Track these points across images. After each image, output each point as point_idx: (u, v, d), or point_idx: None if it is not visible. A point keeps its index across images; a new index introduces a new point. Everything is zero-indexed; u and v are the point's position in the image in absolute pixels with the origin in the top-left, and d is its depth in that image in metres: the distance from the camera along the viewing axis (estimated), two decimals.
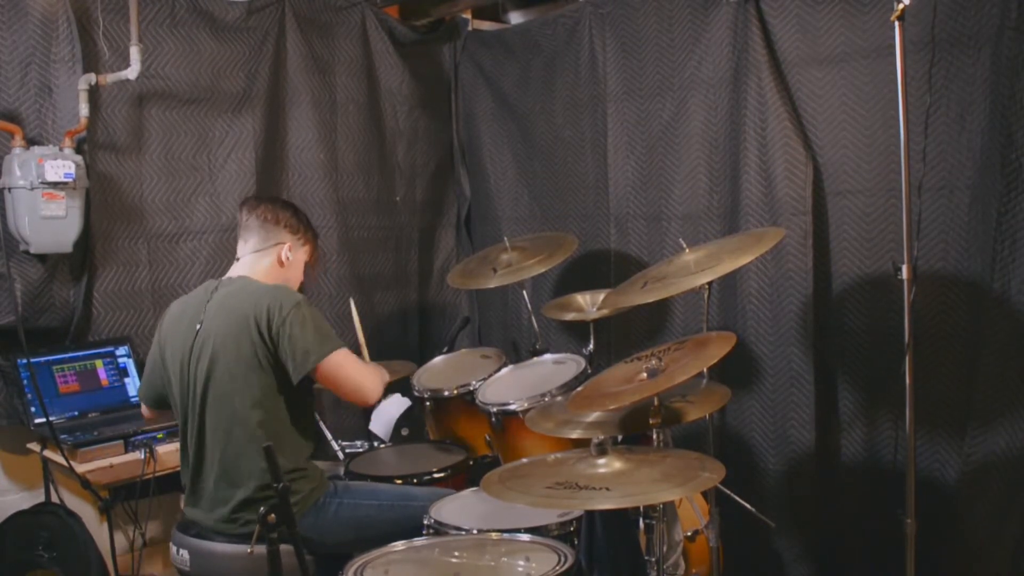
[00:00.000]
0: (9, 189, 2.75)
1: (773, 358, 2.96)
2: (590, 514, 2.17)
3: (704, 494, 2.54)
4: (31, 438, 2.87)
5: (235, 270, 2.45)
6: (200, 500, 2.32)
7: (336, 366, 2.29)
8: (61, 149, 2.82)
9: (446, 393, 3.01)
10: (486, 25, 4.17)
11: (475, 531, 2.17)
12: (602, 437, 1.97)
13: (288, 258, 2.47)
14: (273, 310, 2.25)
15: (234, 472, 2.26)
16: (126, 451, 2.71)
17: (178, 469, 2.48)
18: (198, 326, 2.33)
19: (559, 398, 2.68)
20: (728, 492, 2.50)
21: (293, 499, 2.13)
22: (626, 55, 3.36)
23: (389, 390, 2.61)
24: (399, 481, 2.69)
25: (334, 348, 2.28)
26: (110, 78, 2.95)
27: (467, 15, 4.10)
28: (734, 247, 2.42)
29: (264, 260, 2.45)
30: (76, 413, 2.90)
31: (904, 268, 2.25)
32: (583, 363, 2.90)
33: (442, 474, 2.73)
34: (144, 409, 2.58)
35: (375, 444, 3.20)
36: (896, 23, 2.17)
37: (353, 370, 2.34)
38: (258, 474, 2.23)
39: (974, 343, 2.56)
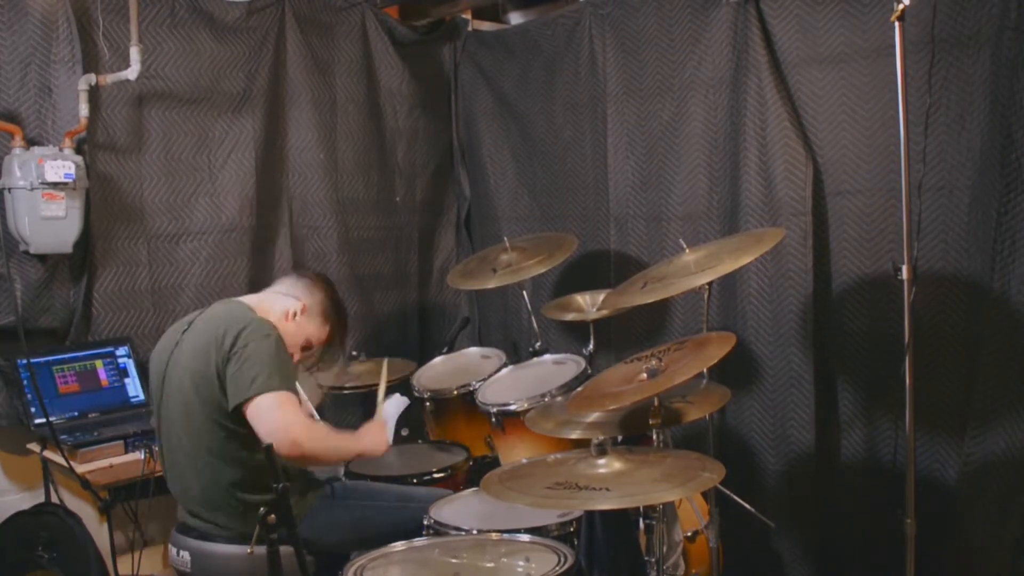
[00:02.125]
0: (9, 189, 2.75)
1: (773, 358, 2.96)
2: (590, 514, 2.17)
3: (704, 494, 2.54)
4: (31, 438, 2.87)
5: (243, 298, 2.35)
6: (192, 513, 2.28)
7: (272, 406, 2.04)
8: (61, 149, 2.82)
9: (446, 393, 3.01)
10: (486, 25, 4.17)
11: (475, 531, 2.16)
12: (602, 437, 1.97)
13: (296, 316, 2.34)
14: (235, 333, 2.09)
15: (214, 503, 2.20)
16: (126, 451, 2.71)
17: None
18: (180, 336, 2.24)
19: (559, 398, 2.68)
20: (728, 492, 2.51)
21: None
22: (626, 55, 3.36)
23: (389, 390, 2.60)
24: (399, 481, 2.69)
25: (282, 387, 2.06)
26: (110, 78, 2.95)
27: (467, 15, 4.10)
28: (734, 247, 2.42)
29: (276, 302, 2.35)
30: (76, 413, 2.89)
31: (904, 268, 2.25)
32: (583, 363, 2.90)
33: (442, 474, 2.73)
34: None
35: None
36: (896, 23, 2.16)
37: (290, 416, 2.05)
38: (240, 504, 2.17)
39: (974, 343, 2.56)
